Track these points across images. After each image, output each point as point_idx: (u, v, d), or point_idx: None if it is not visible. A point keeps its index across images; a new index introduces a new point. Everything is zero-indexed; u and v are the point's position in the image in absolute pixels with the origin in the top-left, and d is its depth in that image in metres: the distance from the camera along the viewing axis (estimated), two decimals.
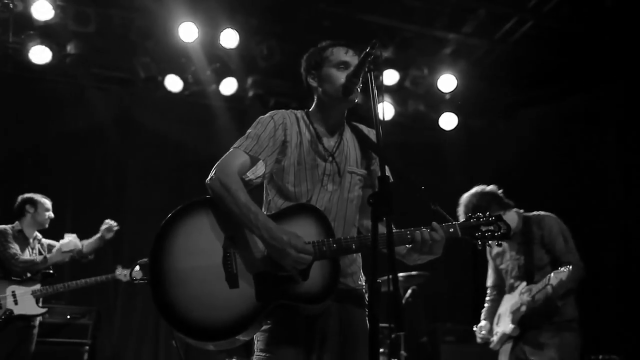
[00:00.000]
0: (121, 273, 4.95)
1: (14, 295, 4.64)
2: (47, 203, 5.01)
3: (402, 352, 5.16)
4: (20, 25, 5.62)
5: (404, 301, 5.34)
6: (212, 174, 2.18)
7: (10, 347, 4.59)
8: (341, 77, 2.29)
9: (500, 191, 4.04)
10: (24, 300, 4.67)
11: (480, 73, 6.65)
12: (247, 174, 2.26)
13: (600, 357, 4.65)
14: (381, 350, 5.12)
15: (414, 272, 5.27)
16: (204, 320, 2.03)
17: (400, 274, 5.22)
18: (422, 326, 5.67)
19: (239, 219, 2.11)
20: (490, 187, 4.04)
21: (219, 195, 2.13)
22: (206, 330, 2.03)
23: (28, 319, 4.70)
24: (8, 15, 5.45)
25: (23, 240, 4.90)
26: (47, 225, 5.01)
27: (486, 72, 6.66)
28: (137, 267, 4.04)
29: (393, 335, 5.13)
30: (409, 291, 5.43)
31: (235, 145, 2.27)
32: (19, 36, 5.68)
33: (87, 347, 5.23)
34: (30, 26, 5.58)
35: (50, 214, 5.01)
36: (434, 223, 2.20)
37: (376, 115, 2.01)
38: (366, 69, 2.10)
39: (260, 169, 2.29)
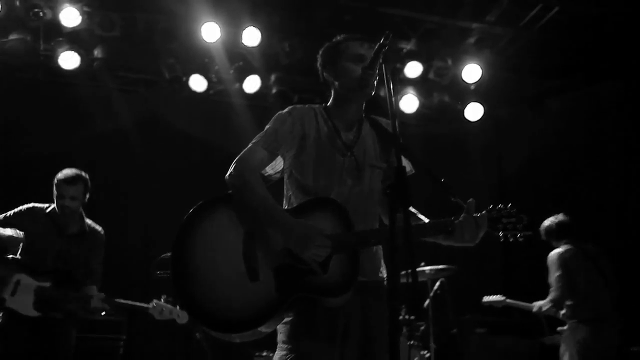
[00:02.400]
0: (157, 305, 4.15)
1: (16, 284, 3.83)
2: (65, 191, 4.01)
3: (432, 344, 5.14)
4: (49, 33, 5.77)
5: (432, 293, 5.31)
6: (231, 169, 2.22)
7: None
8: (357, 70, 2.29)
9: (559, 223, 4.87)
10: (23, 294, 3.81)
11: (506, 62, 6.53)
12: (267, 169, 2.30)
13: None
14: (410, 342, 5.11)
15: (441, 266, 5.24)
16: (225, 312, 2.07)
17: (428, 268, 5.20)
18: (451, 318, 5.63)
19: (258, 213, 2.14)
20: (551, 220, 4.91)
21: (238, 190, 2.17)
22: (228, 322, 2.07)
23: (16, 316, 3.80)
24: (38, 23, 5.60)
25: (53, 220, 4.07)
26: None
27: (512, 60, 6.54)
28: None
29: (421, 327, 5.12)
30: (437, 283, 5.40)
31: (253, 141, 2.30)
32: (49, 43, 5.83)
33: (122, 343, 5.35)
34: (59, 33, 5.73)
35: (64, 203, 4.02)
36: (482, 214, 2.24)
37: (391, 106, 2.01)
38: (381, 61, 2.10)
39: (279, 164, 2.33)
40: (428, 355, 5.21)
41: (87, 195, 4.18)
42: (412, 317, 5.18)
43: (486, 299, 5.33)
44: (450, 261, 5.27)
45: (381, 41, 2.08)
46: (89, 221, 4.28)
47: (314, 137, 2.33)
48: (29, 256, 3.93)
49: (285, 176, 2.39)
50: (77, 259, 4.08)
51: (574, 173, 6.49)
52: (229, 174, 2.22)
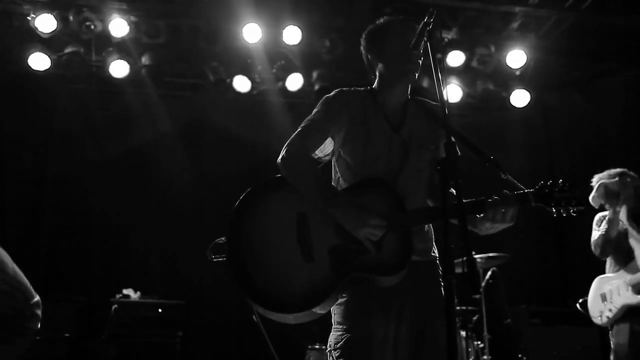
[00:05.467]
0: None
1: None
2: None
3: (485, 334, 5.06)
4: (100, 44, 6.02)
5: (484, 283, 5.22)
6: (282, 153, 2.28)
7: None
8: (401, 50, 2.30)
9: None
10: None
11: (552, 45, 6.37)
12: (316, 152, 2.34)
13: None
14: (463, 333, 5.05)
15: (492, 254, 5.14)
16: (281, 292, 2.11)
17: (479, 256, 5.11)
18: (505, 308, 5.52)
19: (310, 194, 2.18)
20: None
21: (290, 172, 2.22)
22: (284, 302, 2.11)
23: None
24: (90, 35, 5.85)
25: None
26: None
27: (558, 43, 6.37)
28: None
29: (475, 318, 5.04)
30: (489, 272, 5.30)
31: (303, 124, 2.35)
32: (100, 54, 6.09)
33: (178, 340, 5.48)
34: (109, 43, 5.97)
35: None
36: (505, 191, 2.20)
37: (439, 84, 2.00)
38: (425, 39, 2.10)
39: (328, 147, 2.37)
40: (482, 346, 5.13)
41: None
42: (468, 308, 5.08)
43: None
44: (502, 249, 5.17)
45: (425, 19, 2.07)
46: None
47: (360, 119, 2.35)
48: None
49: (334, 158, 2.42)
50: None
51: (627, 157, 6.25)
52: (281, 157, 2.27)
